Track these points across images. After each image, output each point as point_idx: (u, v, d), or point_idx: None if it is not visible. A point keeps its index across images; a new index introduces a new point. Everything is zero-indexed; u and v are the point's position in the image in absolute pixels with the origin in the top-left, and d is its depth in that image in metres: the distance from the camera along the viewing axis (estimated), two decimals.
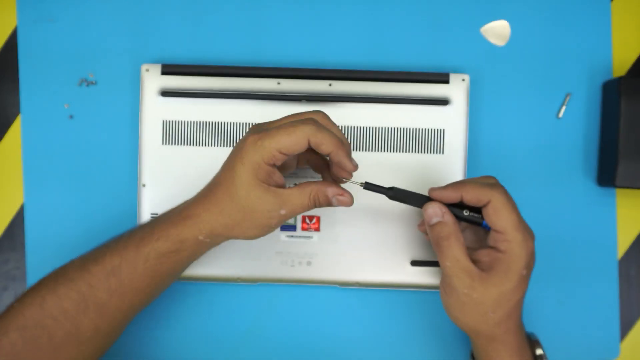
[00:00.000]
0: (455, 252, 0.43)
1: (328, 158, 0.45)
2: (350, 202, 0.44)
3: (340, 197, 0.44)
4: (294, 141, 0.41)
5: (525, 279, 0.43)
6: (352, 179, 0.45)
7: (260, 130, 0.43)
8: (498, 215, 0.43)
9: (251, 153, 0.42)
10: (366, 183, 0.46)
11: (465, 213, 0.45)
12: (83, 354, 0.44)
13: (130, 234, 0.45)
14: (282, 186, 0.44)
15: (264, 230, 0.44)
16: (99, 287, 0.44)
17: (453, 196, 0.44)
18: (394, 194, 0.45)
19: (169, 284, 0.48)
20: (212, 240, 0.45)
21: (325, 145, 0.42)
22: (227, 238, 0.46)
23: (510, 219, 0.43)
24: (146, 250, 0.44)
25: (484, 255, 0.44)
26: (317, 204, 0.44)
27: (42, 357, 0.43)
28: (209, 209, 0.44)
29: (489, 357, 0.46)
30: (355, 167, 0.44)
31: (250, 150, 0.42)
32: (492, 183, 0.44)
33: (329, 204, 0.44)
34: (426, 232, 0.48)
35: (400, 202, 0.46)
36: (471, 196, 0.44)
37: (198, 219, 0.44)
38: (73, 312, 0.43)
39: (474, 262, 0.44)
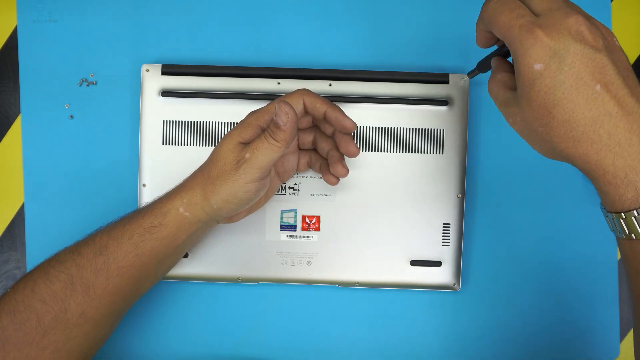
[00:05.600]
0: (492, 89, 0.41)
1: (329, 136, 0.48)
2: (288, 111, 0.43)
3: (279, 111, 0.42)
4: (289, 101, 0.45)
5: (540, 73, 0.35)
6: None
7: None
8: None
9: (245, 118, 0.46)
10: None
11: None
12: (71, 341, 0.45)
13: (122, 216, 0.47)
14: None
15: (236, 185, 0.44)
16: (86, 266, 0.44)
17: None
18: (480, 68, 0.46)
19: (155, 272, 0.48)
20: (192, 214, 0.45)
21: (319, 103, 0.46)
22: (206, 211, 0.45)
23: (501, 20, 0.37)
24: (131, 227, 0.45)
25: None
26: (269, 131, 0.43)
27: (30, 340, 0.43)
28: (194, 176, 0.46)
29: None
30: (354, 123, 0.46)
31: (246, 117, 0.47)
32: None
33: (276, 124, 0.43)
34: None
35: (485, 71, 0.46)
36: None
37: (182, 189, 0.46)
38: (61, 295, 0.44)
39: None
